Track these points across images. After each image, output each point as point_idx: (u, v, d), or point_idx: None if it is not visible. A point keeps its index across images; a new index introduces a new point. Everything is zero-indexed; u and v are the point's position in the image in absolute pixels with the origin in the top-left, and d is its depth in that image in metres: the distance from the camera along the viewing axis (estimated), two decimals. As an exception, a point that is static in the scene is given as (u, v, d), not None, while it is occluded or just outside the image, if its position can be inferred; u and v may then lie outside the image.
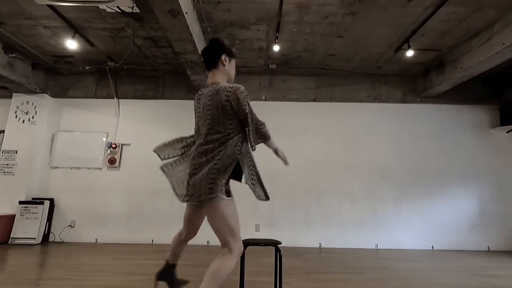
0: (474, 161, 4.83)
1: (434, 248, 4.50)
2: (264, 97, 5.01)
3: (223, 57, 1.71)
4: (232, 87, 1.59)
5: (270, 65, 4.77)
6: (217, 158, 1.55)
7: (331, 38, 4.00)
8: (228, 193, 1.57)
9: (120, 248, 4.03)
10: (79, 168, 4.78)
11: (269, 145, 1.71)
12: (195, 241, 1.97)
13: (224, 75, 1.74)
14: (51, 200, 4.56)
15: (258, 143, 1.66)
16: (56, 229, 4.55)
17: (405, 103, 5.04)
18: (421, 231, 4.58)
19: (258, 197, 1.67)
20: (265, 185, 1.72)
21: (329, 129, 4.93)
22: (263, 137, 1.66)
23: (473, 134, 4.94)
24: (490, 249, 4.51)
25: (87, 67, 4.77)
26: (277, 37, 3.90)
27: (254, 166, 1.68)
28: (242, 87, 1.60)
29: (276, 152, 1.74)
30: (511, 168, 4.81)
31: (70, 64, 4.78)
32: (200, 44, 3.74)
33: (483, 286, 2.54)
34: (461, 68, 4.05)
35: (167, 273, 1.89)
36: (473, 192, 4.72)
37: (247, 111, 1.58)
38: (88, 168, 4.78)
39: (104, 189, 4.69)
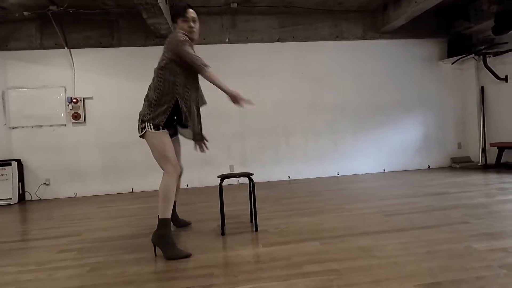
0: (422, 92, 5.36)
1: (385, 171, 5.23)
2: (227, 40, 4.90)
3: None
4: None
5: (231, 4, 4.56)
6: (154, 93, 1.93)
7: (292, -27, 3.87)
8: (157, 127, 1.88)
9: (102, 199, 4.22)
10: (41, 126, 4.59)
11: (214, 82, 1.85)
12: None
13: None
14: (18, 161, 4.45)
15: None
16: (30, 188, 4.55)
17: (365, 39, 5.21)
18: (375, 157, 5.23)
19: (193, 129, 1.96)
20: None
21: (293, 70, 5.06)
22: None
23: (423, 67, 5.37)
24: (430, 167, 5.35)
25: (25, 13, 4.24)
26: (236, -27, 3.69)
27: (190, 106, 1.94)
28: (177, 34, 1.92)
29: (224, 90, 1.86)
30: (453, 97, 5.44)
31: (4, 10, 4.20)
32: (154, -17, 3.45)
33: (416, 193, 3.16)
34: (415, 2, 4.20)
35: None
36: (420, 120, 5.35)
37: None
38: (51, 126, 4.61)
39: (73, 145, 4.63)
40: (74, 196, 4.61)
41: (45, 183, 4.58)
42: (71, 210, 3.47)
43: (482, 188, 3.22)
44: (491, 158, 5.02)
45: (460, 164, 5.16)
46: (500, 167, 4.78)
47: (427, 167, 5.34)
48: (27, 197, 4.55)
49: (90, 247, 2.04)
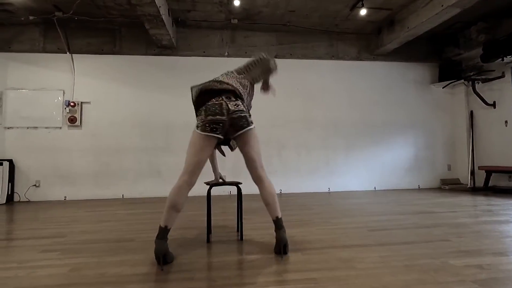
0: (414, 114, 5.50)
1: (376, 189, 5.28)
2: (227, 53, 5.04)
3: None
4: None
5: (232, 20, 4.73)
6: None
7: (291, -6, 4.05)
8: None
9: (91, 203, 4.20)
10: (37, 128, 4.62)
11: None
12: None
13: None
14: (10, 161, 4.44)
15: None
16: (20, 189, 4.52)
17: (360, 60, 5.39)
18: (366, 175, 5.29)
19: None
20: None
21: (289, 85, 5.19)
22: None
23: (415, 89, 5.53)
24: (420, 187, 5.41)
25: (30, 17, 4.36)
26: (237, -9, 3.86)
27: None
28: None
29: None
30: (443, 120, 5.58)
31: (10, 13, 4.32)
32: (158, -4, 3.60)
33: (403, 211, 3.19)
34: (407, 28, 4.40)
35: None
36: (411, 140, 5.46)
37: None
38: (47, 128, 4.64)
39: (67, 148, 4.65)
40: (63, 199, 4.58)
41: (35, 185, 4.55)
42: (58, 213, 3.45)
43: (467, 209, 3.27)
44: (480, 181, 5.10)
45: (449, 185, 5.23)
46: (487, 190, 4.85)
47: (417, 187, 5.40)
48: (16, 198, 4.51)
49: (73, 248, 2.04)
